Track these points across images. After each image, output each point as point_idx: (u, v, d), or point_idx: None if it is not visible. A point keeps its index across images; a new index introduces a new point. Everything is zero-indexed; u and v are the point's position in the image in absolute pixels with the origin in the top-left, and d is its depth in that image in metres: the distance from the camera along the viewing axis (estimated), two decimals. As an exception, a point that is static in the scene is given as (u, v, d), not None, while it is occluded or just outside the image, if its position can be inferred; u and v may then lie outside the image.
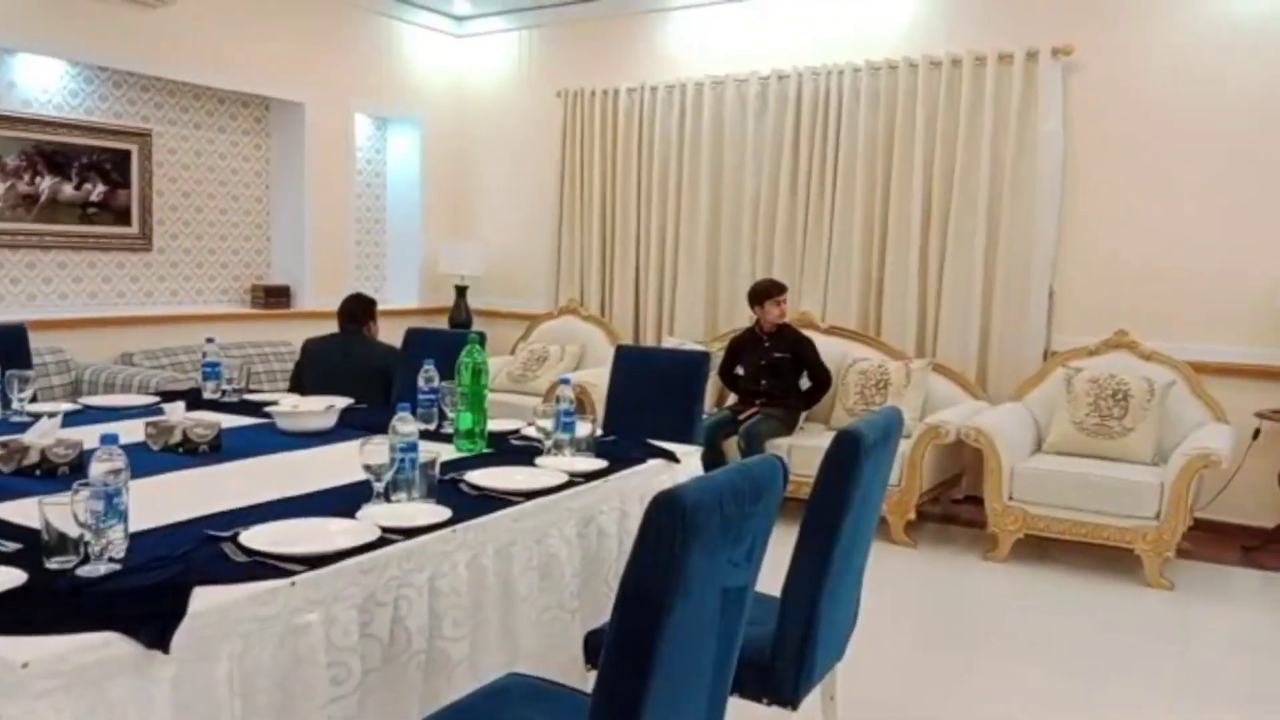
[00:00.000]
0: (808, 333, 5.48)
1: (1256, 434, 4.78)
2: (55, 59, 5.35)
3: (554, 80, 6.94)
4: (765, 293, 5.30)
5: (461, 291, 7.17)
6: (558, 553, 2.31)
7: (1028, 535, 4.53)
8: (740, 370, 5.40)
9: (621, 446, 2.90)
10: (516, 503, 2.23)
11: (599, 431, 2.99)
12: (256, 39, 6.09)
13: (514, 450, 2.82)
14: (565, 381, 2.82)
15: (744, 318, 6.07)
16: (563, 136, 6.85)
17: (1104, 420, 4.64)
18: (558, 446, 2.72)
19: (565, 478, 2.44)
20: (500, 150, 7.34)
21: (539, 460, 2.64)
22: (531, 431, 2.95)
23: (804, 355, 5.28)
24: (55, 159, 5.43)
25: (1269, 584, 4.36)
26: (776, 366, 5.27)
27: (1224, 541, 4.83)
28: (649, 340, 6.48)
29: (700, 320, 6.30)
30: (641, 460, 2.75)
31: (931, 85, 5.49)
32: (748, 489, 1.63)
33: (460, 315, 7.13)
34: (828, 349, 5.40)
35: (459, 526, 2.03)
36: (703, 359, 3.68)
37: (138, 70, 5.60)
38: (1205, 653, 3.62)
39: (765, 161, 6.05)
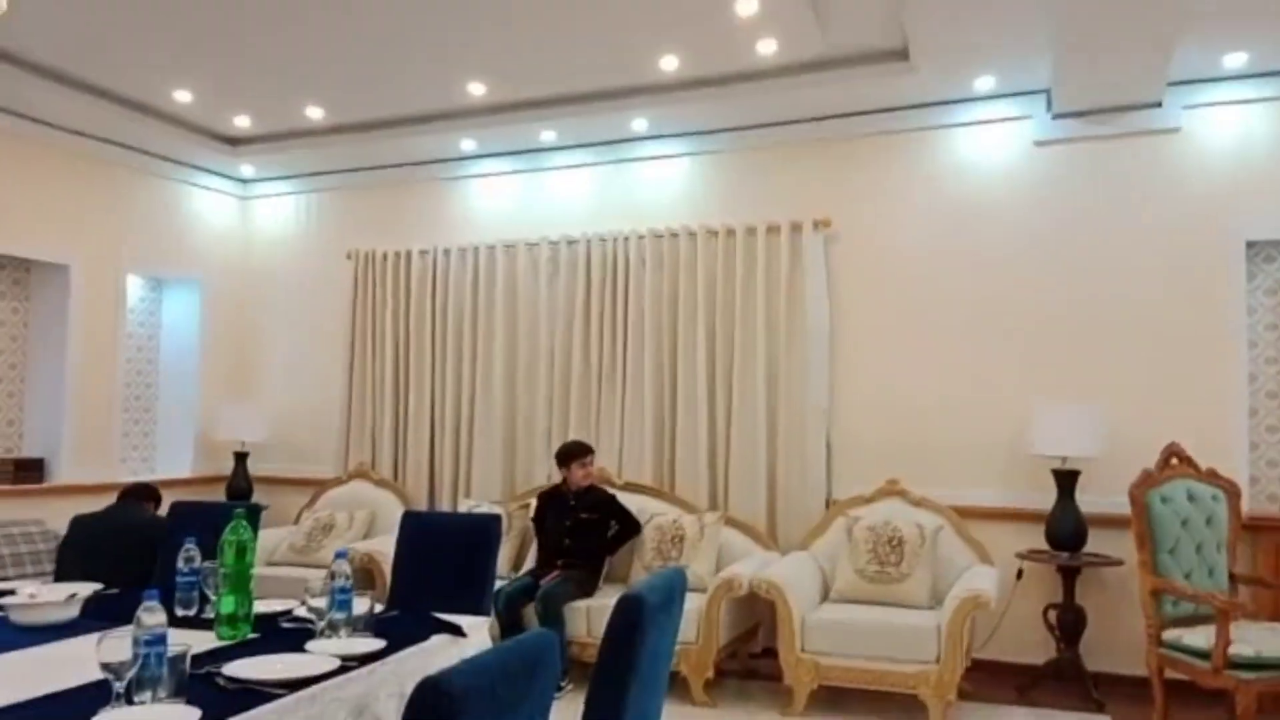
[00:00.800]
0: (607, 489, 5.51)
1: (1020, 574, 5.12)
2: None
3: (344, 241, 6.91)
4: (570, 454, 5.36)
5: (241, 458, 6.79)
6: (327, 748, 2.14)
7: (822, 686, 4.60)
8: (544, 529, 5.34)
9: (403, 623, 2.77)
10: (279, 695, 2.07)
11: (380, 607, 2.84)
12: (18, 197, 5.76)
13: (283, 634, 2.64)
14: (341, 555, 2.68)
15: (543, 477, 6.05)
16: (353, 297, 6.77)
17: (883, 566, 4.85)
18: (333, 627, 2.57)
19: (337, 663, 2.30)
20: (287, 310, 7.15)
21: (310, 644, 2.48)
22: (303, 612, 2.76)
23: (612, 511, 5.31)
24: None
25: None
26: (583, 526, 5.25)
27: (1000, 680, 5.07)
28: (445, 504, 6.32)
29: (498, 481, 6.22)
30: (424, 637, 2.64)
31: (709, 252, 5.84)
32: (520, 667, 1.58)
33: (239, 484, 6.73)
34: (625, 504, 5.43)
35: (210, 728, 1.85)
36: (493, 522, 3.61)
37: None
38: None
39: (559, 322, 6.18)
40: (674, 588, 2.38)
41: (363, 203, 6.96)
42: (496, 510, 5.46)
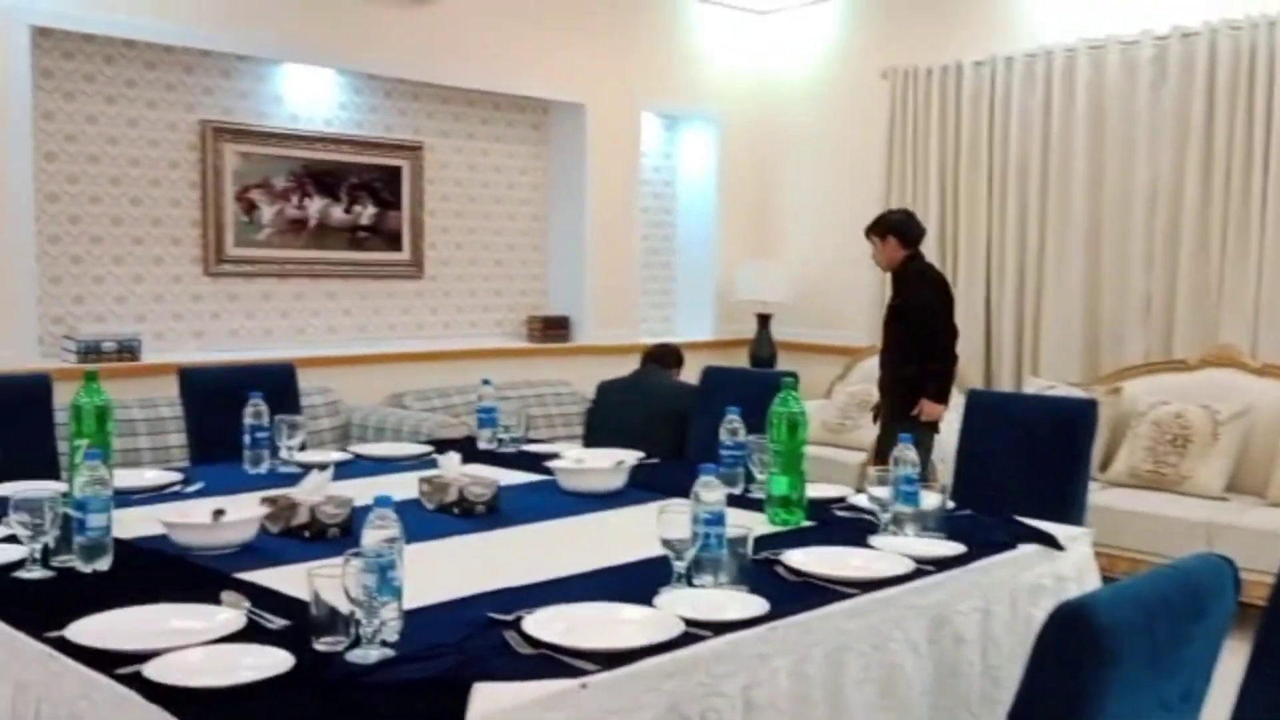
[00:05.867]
0: (1235, 375, 5.05)
1: None
2: (322, 68, 5.89)
3: (878, 58, 6.82)
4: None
5: (764, 321, 7.18)
6: (903, 663, 2.19)
7: None
8: None
9: (980, 525, 2.75)
10: (850, 595, 2.15)
11: (950, 504, 2.84)
12: (531, 34, 6.43)
13: (840, 525, 2.76)
14: (904, 440, 2.70)
15: (1138, 354, 5.66)
16: (889, 128, 6.71)
17: None
18: (897, 523, 2.61)
19: (911, 565, 2.33)
20: (812, 149, 7.30)
21: (874, 540, 2.55)
22: (862, 501, 2.85)
23: None
24: (324, 179, 5.98)
25: None
26: None
27: None
28: (1005, 383, 6.20)
29: (1075, 356, 5.95)
30: (1009, 545, 2.59)
31: None
32: (1185, 602, 1.45)
33: (762, 350, 7.14)
34: (1265, 396, 4.93)
35: (780, 623, 1.98)
36: (1087, 408, 3.44)
37: (407, 76, 6.07)
38: None
39: (1164, 149, 5.62)
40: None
41: (901, 5, 6.80)
42: (1078, 394, 5.20)
